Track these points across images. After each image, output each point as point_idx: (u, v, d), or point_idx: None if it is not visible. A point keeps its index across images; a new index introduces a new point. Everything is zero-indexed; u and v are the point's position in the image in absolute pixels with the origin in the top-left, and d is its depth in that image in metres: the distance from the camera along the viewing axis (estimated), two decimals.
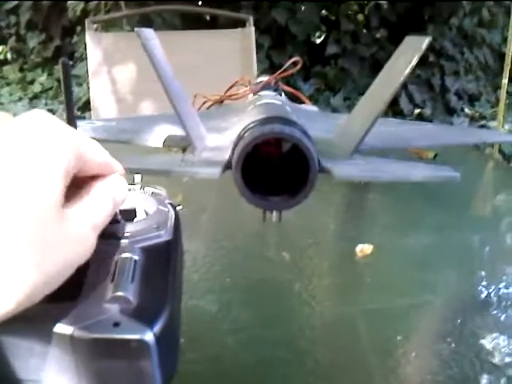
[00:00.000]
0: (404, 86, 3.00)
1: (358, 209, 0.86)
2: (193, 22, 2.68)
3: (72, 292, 0.25)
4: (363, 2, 3.68)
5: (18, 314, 0.22)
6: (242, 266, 0.67)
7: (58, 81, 3.94)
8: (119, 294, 0.25)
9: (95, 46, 1.67)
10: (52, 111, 3.71)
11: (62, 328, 0.24)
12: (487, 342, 0.50)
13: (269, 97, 0.77)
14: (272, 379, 0.47)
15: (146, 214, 0.32)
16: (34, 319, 0.24)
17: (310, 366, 0.49)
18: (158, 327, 0.25)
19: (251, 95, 0.85)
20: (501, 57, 3.04)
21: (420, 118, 3.49)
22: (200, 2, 3.23)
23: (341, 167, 0.50)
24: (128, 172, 0.31)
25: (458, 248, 0.71)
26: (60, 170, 0.24)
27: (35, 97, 4.08)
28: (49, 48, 4.09)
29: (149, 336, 0.24)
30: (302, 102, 0.96)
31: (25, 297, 0.22)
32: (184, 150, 0.59)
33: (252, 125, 0.51)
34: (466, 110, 3.77)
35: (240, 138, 0.51)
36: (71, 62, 3.48)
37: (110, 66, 1.69)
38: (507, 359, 0.48)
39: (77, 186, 0.27)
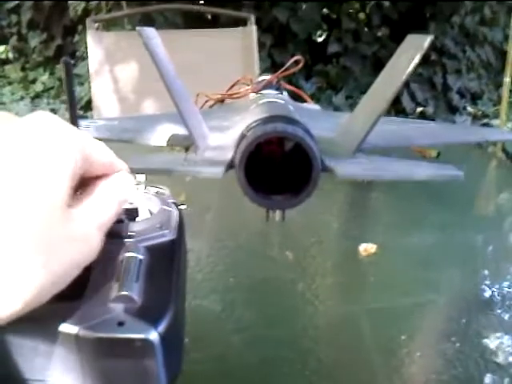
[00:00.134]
0: (406, 84, 3.01)
1: (361, 208, 0.86)
2: (194, 21, 2.68)
3: (76, 291, 0.25)
4: (365, 0, 3.67)
5: (24, 314, 0.22)
6: (245, 265, 0.67)
7: (60, 80, 3.94)
8: (124, 293, 0.25)
9: (96, 45, 1.67)
10: (54, 110, 3.71)
11: (67, 327, 0.24)
12: (491, 342, 0.50)
13: (271, 96, 0.77)
14: (276, 378, 0.47)
15: (150, 213, 0.32)
16: (39, 319, 0.24)
17: (314, 365, 0.49)
18: (162, 327, 0.25)
19: (253, 94, 0.85)
20: (503, 55, 3.03)
21: (422, 116, 3.48)
22: (202, 1, 3.23)
23: (343, 166, 0.50)
24: (131, 172, 0.31)
25: (461, 247, 0.71)
26: (67, 171, 0.24)
27: (37, 96, 4.08)
28: (50, 47, 4.09)
29: (153, 335, 0.24)
30: (304, 101, 0.96)
31: (32, 297, 0.22)
32: (187, 149, 0.59)
33: (254, 124, 0.51)
34: (469, 109, 3.76)
35: (243, 137, 0.51)
36: (73, 62, 3.48)
37: (112, 65, 1.69)
38: (511, 359, 0.48)
39: (82, 185, 0.27)
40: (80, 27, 3.62)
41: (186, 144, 0.59)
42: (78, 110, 2.93)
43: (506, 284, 0.61)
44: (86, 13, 3.42)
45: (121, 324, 0.24)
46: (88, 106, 2.66)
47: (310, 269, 0.68)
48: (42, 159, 0.24)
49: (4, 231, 0.22)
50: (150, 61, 0.53)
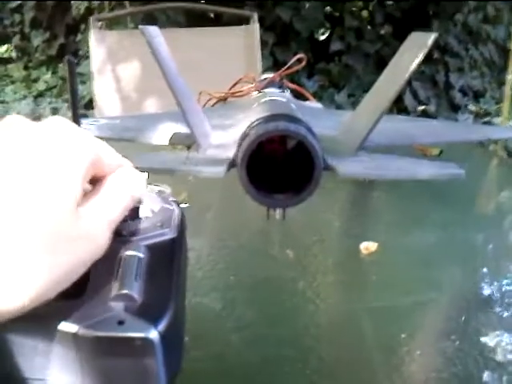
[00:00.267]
0: (408, 82, 3.01)
1: (362, 206, 0.86)
2: (197, 20, 2.68)
3: (77, 290, 0.25)
4: None
5: (23, 312, 0.23)
6: (246, 263, 0.67)
7: (62, 79, 3.95)
8: (124, 292, 0.25)
9: (99, 43, 1.67)
10: (56, 109, 3.71)
11: (67, 326, 0.24)
12: (490, 340, 0.50)
13: (273, 94, 0.77)
14: (276, 377, 0.47)
15: (151, 211, 0.32)
16: (39, 317, 0.24)
17: (315, 364, 0.49)
18: (162, 325, 0.25)
19: (256, 92, 0.85)
20: (506, 53, 3.02)
21: (424, 114, 3.47)
22: (204, 0, 3.22)
23: (345, 165, 0.50)
24: None
25: (462, 245, 0.71)
26: (79, 173, 0.25)
27: (39, 95, 4.08)
28: (53, 46, 4.10)
29: (153, 334, 0.24)
30: (307, 99, 0.96)
31: (39, 292, 0.23)
32: (189, 147, 0.59)
33: (257, 122, 0.51)
34: (471, 107, 3.75)
35: (245, 135, 0.51)
36: (75, 60, 3.48)
37: (114, 63, 1.69)
38: (510, 356, 0.48)
39: (91, 184, 0.28)
40: (83, 26, 3.63)
41: (188, 142, 0.59)
42: (80, 108, 2.92)
43: (505, 282, 0.60)
44: (89, 12, 3.42)
45: (121, 323, 0.24)
46: (90, 104, 2.66)
47: (311, 267, 0.68)
48: (56, 162, 0.25)
49: (16, 228, 0.22)
50: (153, 59, 0.53)
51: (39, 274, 0.23)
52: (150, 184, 0.34)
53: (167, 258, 0.29)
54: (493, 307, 0.56)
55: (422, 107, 3.55)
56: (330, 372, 0.49)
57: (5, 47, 4.50)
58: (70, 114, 0.32)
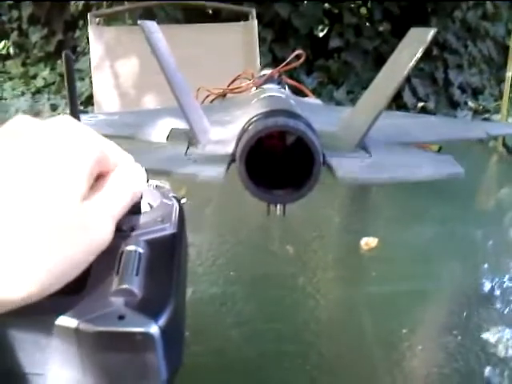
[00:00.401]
0: (407, 79, 3.00)
1: (362, 202, 0.86)
2: (195, 16, 2.67)
3: (77, 285, 0.25)
4: None
5: (23, 306, 0.23)
6: (246, 259, 0.67)
7: (61, 75, 3.94)
8: (124, 286, 0.25)
9: (97, 40, 1.67)
10: (54, 106, 3.71)
11: (67, 321, 0.24)
12: (492, 335, 0.50)
13: (272, 90, 0.77)
14: (276, 373, 0.47)
15: (151, 206, 0.32)
16: (39, 312, 0.24)
17: (314, 359, 0.49)
18: (162, 320, 0.24)
19: (254, 88, 0.85)
20: (505, 50, 3.02)
21: (423, 111, 3.47)
22: None
23: (344, 166, 0.50)
24: None
25: (462, 241, 0.71)
26: (84, 171, 0.26)
27: (38, 91, 4.08)
28: (51, 42, 4.09)
29: (154, 329, 0.24)
30: (305, 96, 0.96)
31: (47, 281, 0.23)
32: (188, 143, 0.59)
33: (256, 118, 0.51)
34: (470, 104, 3.75)
35: (244, 131, 0.51)
36: (74, 57, 3.48)
37: (113, 60, 1.69)
38: (511, 352, 0.48)
39: (96, 179, 0.28)
40: (81, 22, 3.62)
41: (186, 138, 0.59)
42: (79, 105, 2.92)
43: (506, 278, 0.61)
44: (87, 8, 3.41)
45: (121, 317, 0.24)
46: (89, 100, 2.66)
47: (311, 263, 0.68)
48: (62, 159, 0.25)
49: (22, 220, 0.23)
50: (151, 56, 0.53)
51: (44, 265, 0.23)
52: (149, 179, 0.34)
53: (167, 253, 0.29)
54: (493, 303, 0.56)
55: (421, 104, 3.55)
56: (329, 368, 0.49)
57: (3, 43, 4.49)
58: (68, 110, 0.32)
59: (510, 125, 2.04)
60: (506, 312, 0.55)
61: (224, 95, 0.92)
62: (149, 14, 2.93)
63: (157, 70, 0.53)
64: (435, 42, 3.48)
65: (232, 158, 0.51)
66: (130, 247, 0.27)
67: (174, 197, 0.34)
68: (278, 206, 0.55)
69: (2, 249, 0.22)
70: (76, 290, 0.25)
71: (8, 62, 4.47)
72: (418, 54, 0.49)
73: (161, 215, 0.31)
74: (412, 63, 0.49)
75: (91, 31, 1.66)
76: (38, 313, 0.24)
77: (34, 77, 4.23)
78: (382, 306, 0.57)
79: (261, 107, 0.56)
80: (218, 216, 0.82)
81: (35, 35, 4.11)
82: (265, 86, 0.82)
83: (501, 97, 2.71)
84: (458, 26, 3.75)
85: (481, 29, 3.83)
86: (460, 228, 0.74)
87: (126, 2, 3.11)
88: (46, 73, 4.18)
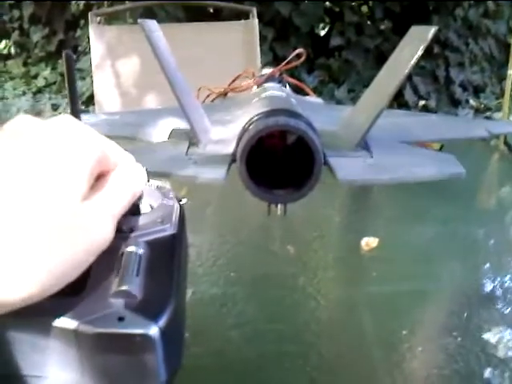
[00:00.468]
0: (409, 77, 2.99)
1: (363, 202, 0.86)
2: (196, 15, 2.67)
3: (76, 286, 0.25)
4: None
5: (22, 308, 0.22)
6: (246, 259, 0.66)
7: (62, 75, 3.94)
8: (124, 288, 0.25)
9: (98, 39, 1.67)
10: (56, 105, 3.71)
11: (67, 322, 0.24)
12: (492, 336, 0.50)
13: (273, 89, 0.77)
14: (277, 374, 0.47)
15: (151, 207, 0.32)
16: (38, 314, 0.24)
17: (315, 360, 0.49)
18: (162, 322, 0.24)
19: (255, 87, 0.85)
20: (506, 47, 3.02)
21: (425, 109, 3.47)
22: None
23: (345, 167, 0.50)
24: None
25: (463, 241, 0.71)
26: (85, 171, 0.26)
27: (39, 91, 4.08)
28: (52, 42, 4.09)
29: (153, 330, 0.24)
30: (307, 94, 0.95)
31: (47, 281, 0.23)
32: (190, 142, 0.58)
33: (256, 117, 0.51)
34: (471, 102, 3.75)
35: (244, 130, 0.50)
36: (75, 56, 3.47)
37: (114, 59, 1.69)
38: (511, 353, 0.48)
39: (96, 179, 0.28)
40: (82, 22, 3.62)
41: (187, 138, 0.59)
42: (80, 104, 2.92)
43: (507, 278, 0.60)
44: (88, 7, 3.41)
45: (121, 319, 0.24)
46: (90, 100, 2.66)
47: (312, 263, 0.67)
48: (63, 159, 0.26)
49: (22, 220, 0.23)
50: (152, 55, 0.53)
51: (44, 265, 0.23)
52: (150, 179, 0.34)
53: (167, 254, 0.29)
54: (495, 303, 0.56)
55: (423, 102, 3.55)
56: (330, 368, 0.49)
57: (4, 43, 4.49)
58: (69, 109, 0.32)
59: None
60: (506, 312, 0.55)
61: (225, 94, 0.92)
62: (149, 13, 2.92)
63: (158, 69, 0.53)
64: (436, 40, 3.48)
65: (233, 158, 0.51)
66: (130, 248, 0.27)
67: (175, 197, 0.34)
68: (279, 206, 0.55)
69: (2, 249, 0.22)
70: (76, 292, 0.25)
71: (9, 62, 4.48)
72: (419, 52, 0.49)
73: (161, 216, 0.31)
74: (413, 61, 0.49)
75: (92, 30, 1.66)
76: (37, 314, 0.24)
77: (35, 76, 4.23)
78: (383, 306, 0.57)
79: (261, 106, 0.56)
80: (219, 216, 0.82)
81: (36, 35, 4.11)
82: (266, 85, 0.82)
83: (502, 95, 2.70)
84: (460, 23, 3.74)
85: (482, 27, 3.82)
86: (461, 227, 0.74)
87: (126, 1, 3.10)
88: (47, 72, 4.18)
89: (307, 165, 0.47)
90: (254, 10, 1.70)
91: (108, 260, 0.27)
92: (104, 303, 0.25)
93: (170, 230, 0.30)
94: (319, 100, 0.95)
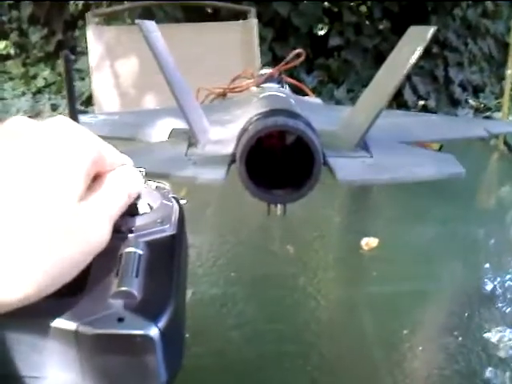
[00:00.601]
0: (408, 77, 2.99)
1: (362, 202, 0.86)
2: (195, 15, 2.67)
3: (76, 287, 0.25)
4: None
5: (21, 309, 0.22)
6: (246, 259, 0.66)
7: (61, 75, 3.93)
8: (123, 288, 0.25)
9: (97, 39, 1.67)
10: (55, 106, 3.71)
11: (66, 323, 0.24)
12: (493, 336, 0.50)
13: (272, 89, 0.77)
14: (277, 374, 0.47)
15: (150, 208, 0.32)
16: (38, 314, 0.24)
17: (315, 360, 0.49)
18: (162, 322, 0.24)
19: (254, 88, 0.85)
20: (505, 47, 3.01)
21: (424, 109, 3.47)
22: None
23: (344, 168, 0.50)
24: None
25: (463, 241, 0.71)
26: (81, 172, 0.26)
27: (38, 91, 4.07)
28: (51, 42, 4.08)
29: (153, 331, 0.24)
30: (306, 95, 0.95)
31: (43, 282, 0.23)
32: (189, 143, 0.58)
33: (256, 117, 0.51)
34: (471, 102, 3.75)
35: (244, 130, 0.50)
36: (73, 57, 3.47)
37: (112, 59, 1.69)
38: None
39: (92, 180, 0.28)
40: (81, 22, 3.61)
41: (186, 138, 0.59)
42: (79, 105, 2.92)
43: (507, 277, 0.60)
44: (87, 7, 3.41)
45: (120, 320, 0.24)
46: (89, 101, 2.66)
47: (312, 263, 0.67)
48: (59, 159, 0.25)
49: (18, 221, 0.23)
50: (151, 55, 0.52)
51: (41, 266, 0.23)
52: (149, 180, 0.34)
53: (167, 255, 0.29)
54: (495, 303, 0.56)
55: (422, 102, 3.55)
56: (330, 368, 0.49)
57: (3, 44, 4.49)
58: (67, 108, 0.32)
59: (511, 123, 2.04)
60: (507, 312, 0.55)
61: (224, 95, 0.92)
62: (148, 14, 2.92)
63: (157, 69, 0.53)
64: (435, 39, 3.48)
65: (232, 159, 0.51)
66: (130, 249, 0.27)
67: (174, 198, 0.34)
68: (279, 206, 0.55)
69: None
70: (75, 293, 0.25)
71: (8, 63, 4.47)
72: (418, 52, 0.49)
73: (161, 216, 0.31)
74: (412, 61, 0.49)
75: (90, 31, 1.66)
76: (37, 315, 0.24)
77: (35, 77, 4.22)
78: (383, 306, 0.57)
79: (261, 107, 0.55)
80: (219, 217, 0.81)
81: (35, 35, 4.10)
82: (265, 85, 0.82)
83: (502, 95, 2.70)
84: (458, 23, 3.74)
85: (481, 26, 3.82)
86: (461, 227, 0.74)
87: (125, 2, 3.10)
88: (46, 73, 4.17)
89: (306, 165, 0.47)
90: (253, 11, 1.70)
91: (107, 261, 0.26)
92: (104, 304, 0.25)
93: (169, 230, 0.30)
94: (318, 100, 0.95)
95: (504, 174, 1.04)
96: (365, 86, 0.59)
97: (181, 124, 0.60)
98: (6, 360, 0.25)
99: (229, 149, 0.52)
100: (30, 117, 0.28)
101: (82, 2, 3.54)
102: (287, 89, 0.85)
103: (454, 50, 3.72)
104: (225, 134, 0.57)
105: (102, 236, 0.26)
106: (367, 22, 3.67)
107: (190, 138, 0.57)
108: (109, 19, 2.37)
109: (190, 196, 0.71)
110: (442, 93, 3.69)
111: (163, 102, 1.06)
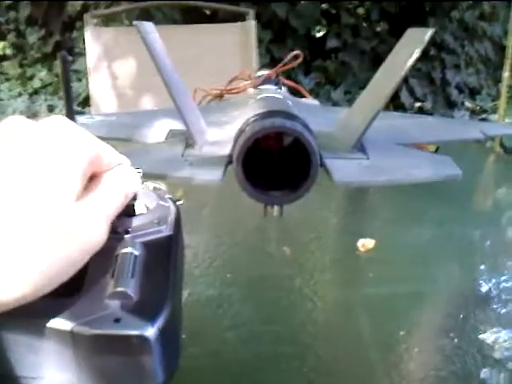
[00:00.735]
0: (405, 79, 3.00)
1: (359, 203, 0.86)
2: (193, 16, 2.67)
3: (73, 287, 0.25)
4: None
5: (18, 309, 0.22)
6: (242, 261, 0.66)
7: (58, 76, 3.93)
8: (120, 289, 0.25)
9: (95, 41, 1.66)
10: (52, 107, 3.70)
11: (63, 324, 0.24)
12: (489, 337, 0.50)
13: (269, 91, 0.77)
14: (273, 375, 0.47)
15: (147, 208, 0.32)
16: (34, 315, 0.24)
17: (312, 361, 0.49)
18: (159, 323, 0.24)
19: (252, 89, 0.85)
20: (502, 50, 3.02)
21: (421, 111, 3.48)
22: None
23: (341, 169, 0.50)
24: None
25: (459, 242, 0.71)
26: (78, 171, 0.26)
27: (35, 92, 4.07)
28: (48, 43, 4.08)
29: (150, 332, 0.24)
30: (303, 96, 0.95)
31: (40, 282, 0.23)
32: (186, 144, 0.58)
33: (253, 119, 0.51)
34: (467, 104, 3.76)
35: (241, 132, 0.50)
36: (71, 58, 3.47)
37: (110, 60, 1.69)
38: (508, 353, 0.48)
39: (89, 180, 0.28)
40: (78, 23, 3.61)
41: (183, 139, 0.59)
42: (76, 106, 2.92)
43: (503, 279, 0.60)
44: (85, 9, 3.40)
45: (117, 320, 0.24)
46: (87, 101, 2.66)
47: (308, 264, 0.68)
48: (56, 159, 0.25)
49: (15, 220, 0.23)
50: (149, 56, 0.53)
51: (38, 265, 0.23)
52: (146, 181, 0.34)
53: (163, 256, 0.29)
54: (491, 304, 0.56)
55: (419, 104, 3.55)
56: (327, 370, 0.49)
57: (0, 45, 4.48)
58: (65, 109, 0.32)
59: (508, 125, 2.04)
60: (502, 313, 0.55)
61: (221, 96, 0.92)
62: (146, 15, 2.92)
63: (154, 70, 0.53)
64: (432, 42, 3.49)
65: (229, 160, 0.51)
66: (126, 249, 0.27)
67: (171, 198, 0.34)
68: (275, 208, 0.55)
69: None
70: (72, 293, 0.25)
71: (5, 63, 4.46)
72: (416, 55, 0.49)
73: (157, 217, 0.31)
74: (409, 63, 0.49)
75: (88, 32, 1.66)
76: (34, 315, 0.24)
77: (31, 78, 4.22)
78: (379, 307, 0.57)
79: (258, 108, 0.56)
80: (215, 217, 0.82)
81: (32, 36, 4.10)
82: (262, 87, 0.82)
83: (498, 97, 2.71)
84: (456, 26, 3.75)
85: (478, 29, 3.83)
86: (457, 229, 0.74)
87: (122, 3, 3.10)
88: (43, 74, 4.16)
89: (303, 166, 0.47)
90: (251, 12, 1.70)
91: (104, 261, 0.27)
92: (100, 304, 0.25)
93: (166, 231, 0.30)
94: (315, 102, 0.95)
95: (500, 175, 1.04)
96: (362, 87, 0.59)
97: (178, 125, 0.60)
98: (2, 360, 0.25)
99: (226, 150, 0.52)
100: (26, 117, 0.28)
101: (79, 3, 3.54)
102: (284, 90, 0.85)
103: (451, 52, 3.73)
104: (222, 135, 0.57)
105: (98, 235, 0.26)
106: (365, 24, 3.68)
107: (187, 138, 0.57)
108: (107, 20, 2.37)
109: (186, 197, 0.71)
110: (438, 95, 3.70)
111: (160, 103, 1.06)
